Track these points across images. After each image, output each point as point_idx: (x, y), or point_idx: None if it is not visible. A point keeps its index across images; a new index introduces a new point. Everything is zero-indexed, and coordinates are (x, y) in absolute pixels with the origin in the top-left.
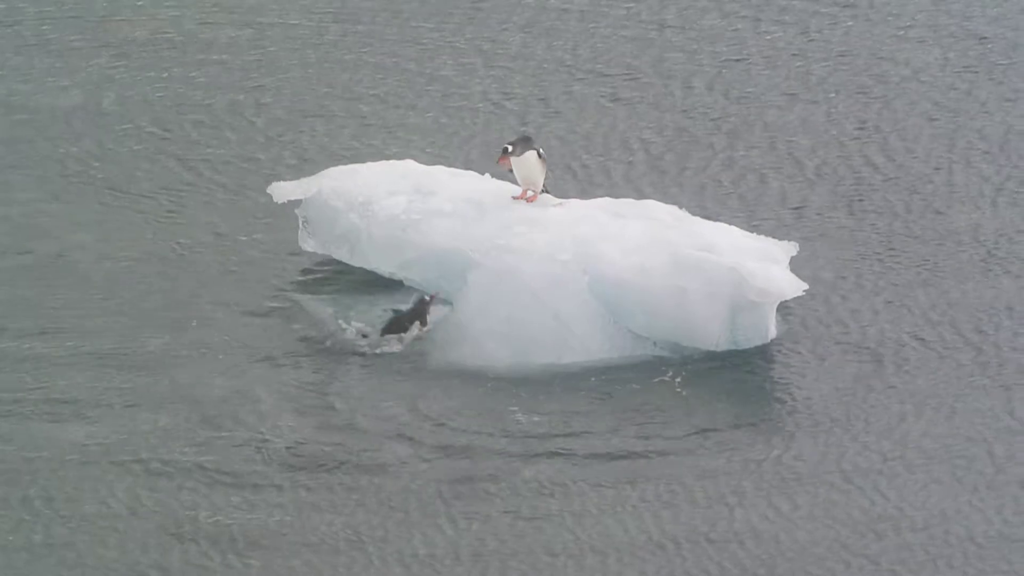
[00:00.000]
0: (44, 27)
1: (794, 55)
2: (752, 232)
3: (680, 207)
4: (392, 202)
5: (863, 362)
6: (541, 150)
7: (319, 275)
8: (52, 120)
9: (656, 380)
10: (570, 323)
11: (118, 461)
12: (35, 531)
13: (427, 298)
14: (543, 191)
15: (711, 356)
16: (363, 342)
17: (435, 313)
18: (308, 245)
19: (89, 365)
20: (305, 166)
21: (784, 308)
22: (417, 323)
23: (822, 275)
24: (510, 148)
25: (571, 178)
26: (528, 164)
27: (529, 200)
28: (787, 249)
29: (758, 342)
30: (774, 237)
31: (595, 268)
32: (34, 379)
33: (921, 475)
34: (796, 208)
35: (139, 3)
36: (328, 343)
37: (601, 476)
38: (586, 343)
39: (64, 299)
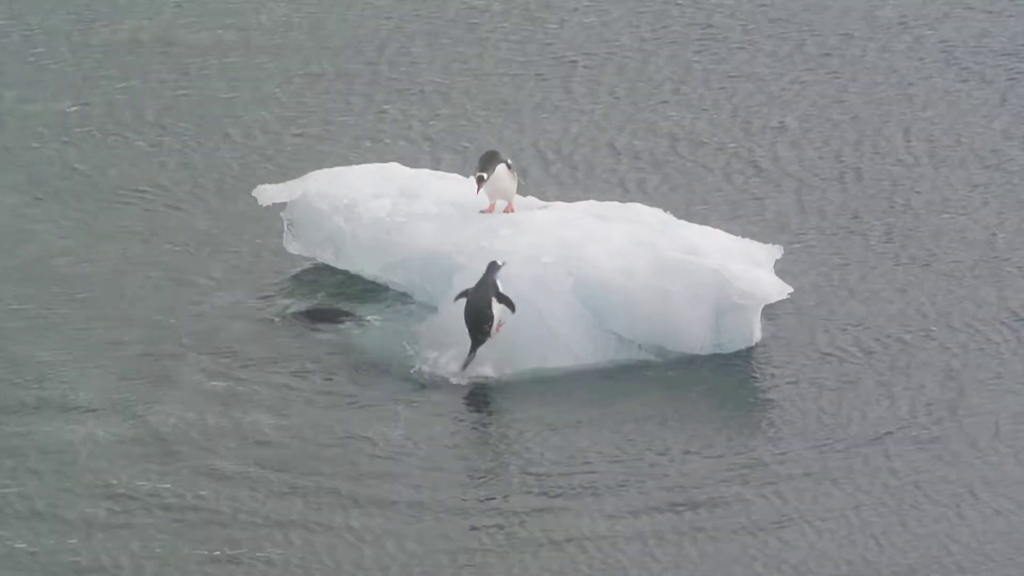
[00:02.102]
0: (26, 32)
1: (779, 58)
2: (737, 235)
3: (665, 210)
4: (377, 205)
5: (848, 366)
6: (509, 161)
7: (304, 278)
8: (35, 124)
9: (640, 383)
10: (554, 326)
11: (101, 463)
12: (18, 533)
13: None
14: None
15: (695, 359)
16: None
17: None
18: (293, 248)
19: (72, 368)
20: (290, 169)
21: (769, 311)
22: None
23: (807, 278)
24: (484, 177)
25: (555, 181)
26: (499, 178)
27: (506, 211)
28: (772, 252)
29: (742, 345)
30: (759, 240)
31: (579, 271)
32: (17, 382)
33: (906, 479)
34: (781, 211)
35: (122, 7)
36: (310, 346)
37: (583, 479)
38: (570, 346)
39: (48, 302)
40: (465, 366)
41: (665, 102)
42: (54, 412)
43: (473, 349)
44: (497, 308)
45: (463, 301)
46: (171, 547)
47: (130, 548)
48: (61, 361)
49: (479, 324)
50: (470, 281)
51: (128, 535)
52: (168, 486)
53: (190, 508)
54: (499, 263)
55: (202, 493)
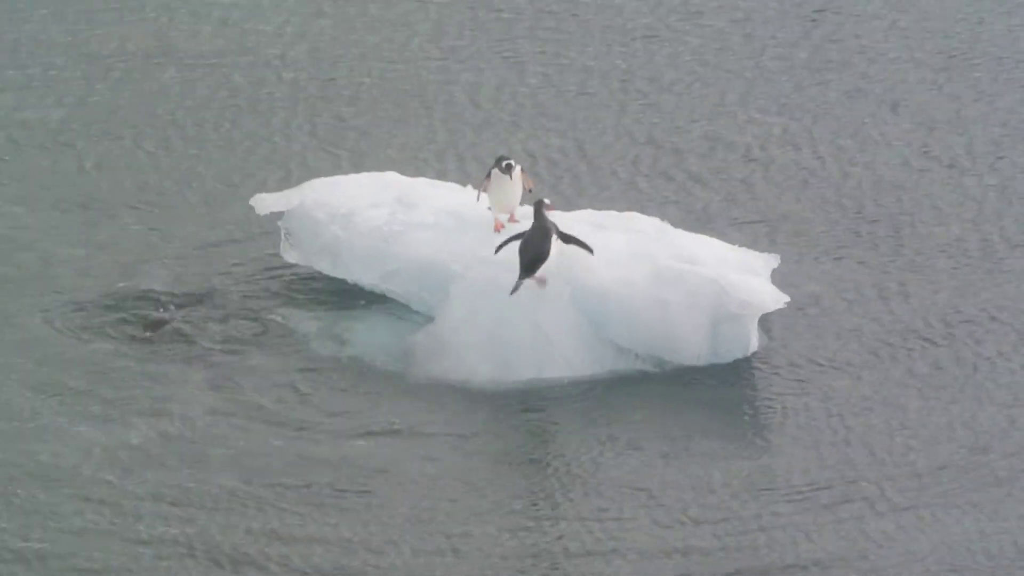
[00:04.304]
0: (22, 40)
1: (777, 66)
2: (734, 244)
3: (662, 219)
4: (374, 214)
5: (844, 375)
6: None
7: (301, 287)
8: (33, 133)
9: (638, 392)
10: (552, 335)
11: (96, 477)
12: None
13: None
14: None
15: (693, 369)
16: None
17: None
18: (290, 257)
19: (70, 378)
20: (288, 178)
21: (765, 320)
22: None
23: (803, 287)
24: (513, 163)
25: (554, 190)
26: (504, 187)
27: (509, 220)
28: (768, 261)
29: (739, 354)
30: (755, 249)
31: (577, 280)
32: (15, 392)
33: (902, 490)
34: (777, 220)
35: (119, 16)
36: (308, 355)
37: (582, 489)
38: (568, 356)
39: (45, 312)
40: (513, 291)
41: (661, 111)
42: (47, 422)
43: (521, 279)
44: (555, 249)
45: (516, 243)
46: (162, 560)
47: (124, 561)
48: (56, 370)
49: (534, 259)
50: (467, 290)
51: (122, 547)
52: (161, 496)
53: (181, 519)
54: (546, 201)
55: (194, 505)
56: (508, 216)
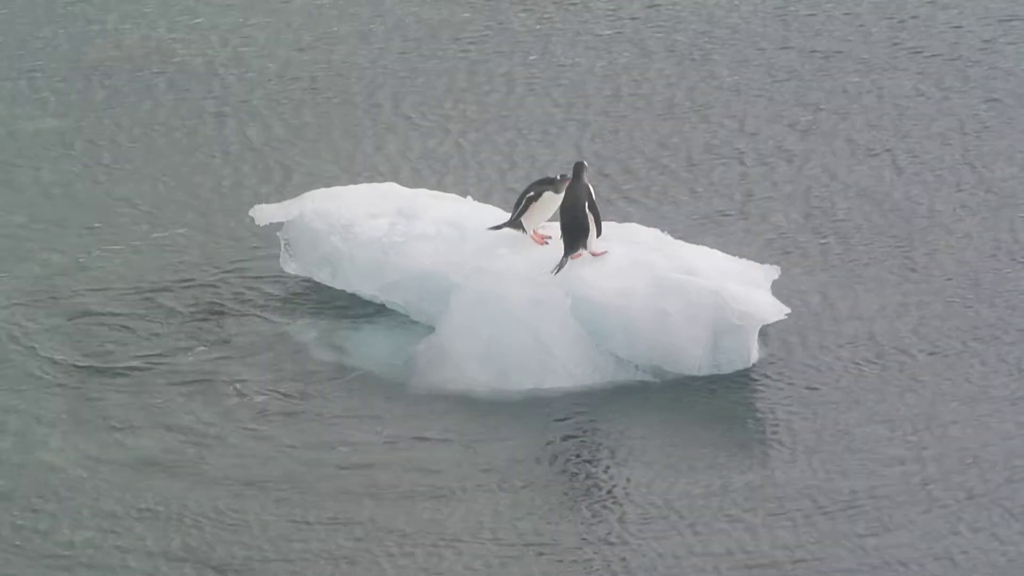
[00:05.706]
0: (21, 50)
1: (779, 79)
2: (734, 256)
3: (662, 230)
4: (374, 225)
5: (844, 386)
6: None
7: (300, 297)
8: (30, 143)
9: (638, 404)
10: (552, 346)
11: (91, 490)
12: (14, 557)
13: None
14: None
15: (693, 380)
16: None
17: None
18: (290, 268)
19: (67, 388)
20: (287, 189)
21: (765, 332)
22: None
23: (804, 299)
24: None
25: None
26: (552, 200)
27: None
28: (769, 273)
29: (740, 366)
30: (756, 261)
31: (577, 291)
32: (13, 401)
33: (902, 501)
34: (778, 232)
35: (118, 25)
36: (308, 366)
37: (581, 499)
38: (568, 366)
39: (43, 322)
40: (557, 271)
41: (661, 122)
42: (44, 432)
43: (566, 256)
44: (590, 218)
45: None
46: (160, 570)
47: (123, 568)
48: (55, 380)
49: (575, 233)
50: (468, 301)
51: (120, 554)
52: (160, 503)
53: (178, 529)
54: (586, 164)
55: (191, 516)
56: (534, 232)
